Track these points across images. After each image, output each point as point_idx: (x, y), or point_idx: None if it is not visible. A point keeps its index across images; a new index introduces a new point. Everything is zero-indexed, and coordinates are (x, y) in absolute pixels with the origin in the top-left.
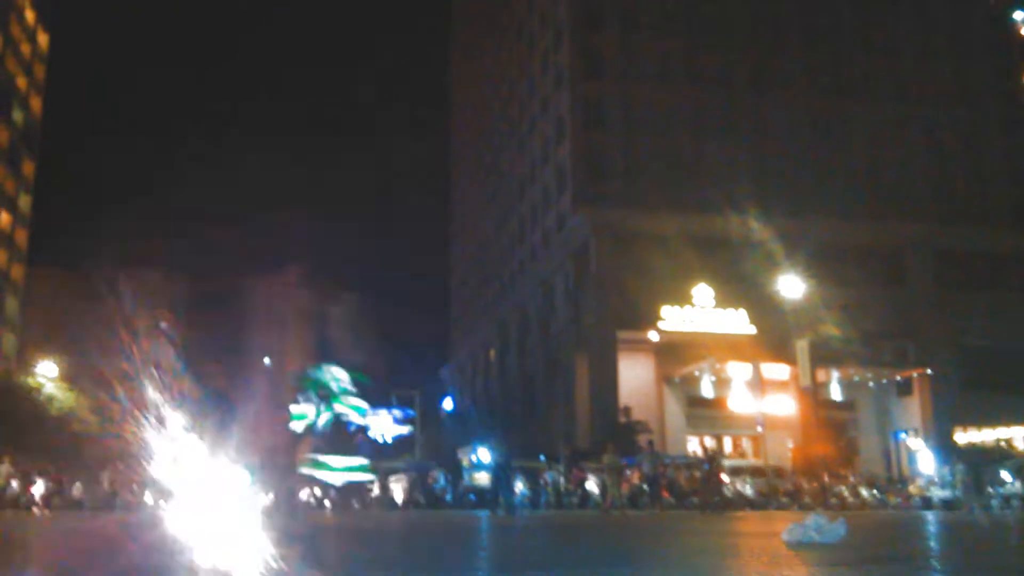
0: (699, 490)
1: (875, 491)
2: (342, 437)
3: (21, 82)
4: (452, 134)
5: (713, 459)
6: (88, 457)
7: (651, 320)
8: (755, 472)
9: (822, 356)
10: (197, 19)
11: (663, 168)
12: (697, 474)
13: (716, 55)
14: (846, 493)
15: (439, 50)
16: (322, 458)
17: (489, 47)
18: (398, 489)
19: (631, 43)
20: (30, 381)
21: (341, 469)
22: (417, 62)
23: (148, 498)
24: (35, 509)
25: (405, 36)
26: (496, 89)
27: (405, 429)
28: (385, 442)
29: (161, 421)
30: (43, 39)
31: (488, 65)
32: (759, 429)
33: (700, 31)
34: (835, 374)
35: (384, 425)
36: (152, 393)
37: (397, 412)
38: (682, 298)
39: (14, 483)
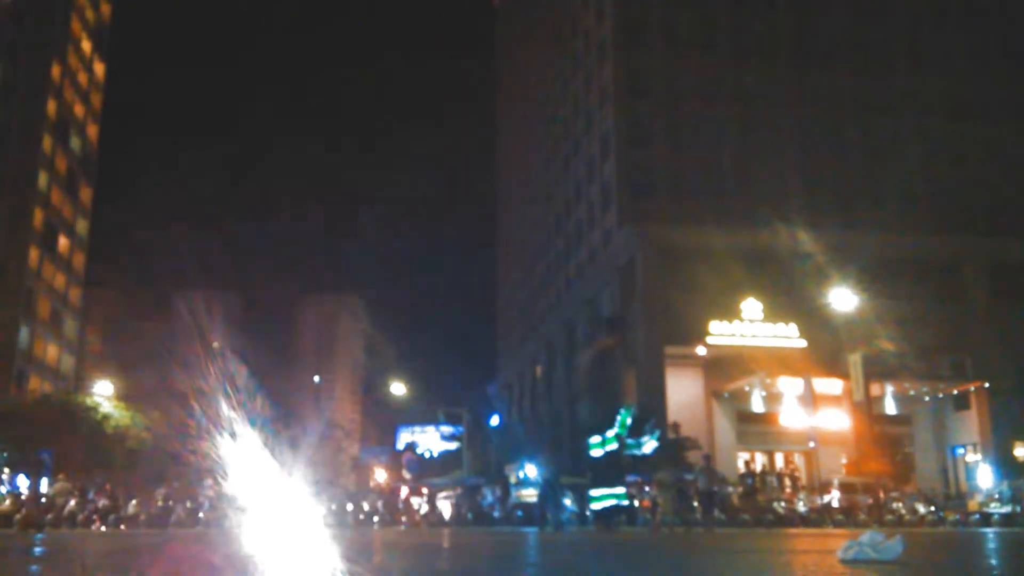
0: (743, 507)
1: (932, 507)
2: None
3: (78, 110)
4: (498, 154)
5: (755, 475)
6: (143, 474)
7: (699, 335)
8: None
9: (876, 370)
10: (244, 43)
11: (709, 183)
12: (739, 490)
13: (762, 71)
14: (902, 510)
15: (486, 71)
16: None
17: (533, 68)
18: (446, 505)
19: (675, 60)
20: (87, 400)
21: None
22: (464, 84)
23: (225, 515)
24: (96, 525)
25: (452, 59)
26: (541, 109)
27: (453, 445)
28: (432, 457)
29: (235, 438)
30: (99, 68)
31: (533, 85)
32: (811, 445)
33: (745, 48)
34: (889, 388)
35: (431, 441)
36: (226, 410)
37: (445, 428)
38: (730, 312)
39: (72, 501)
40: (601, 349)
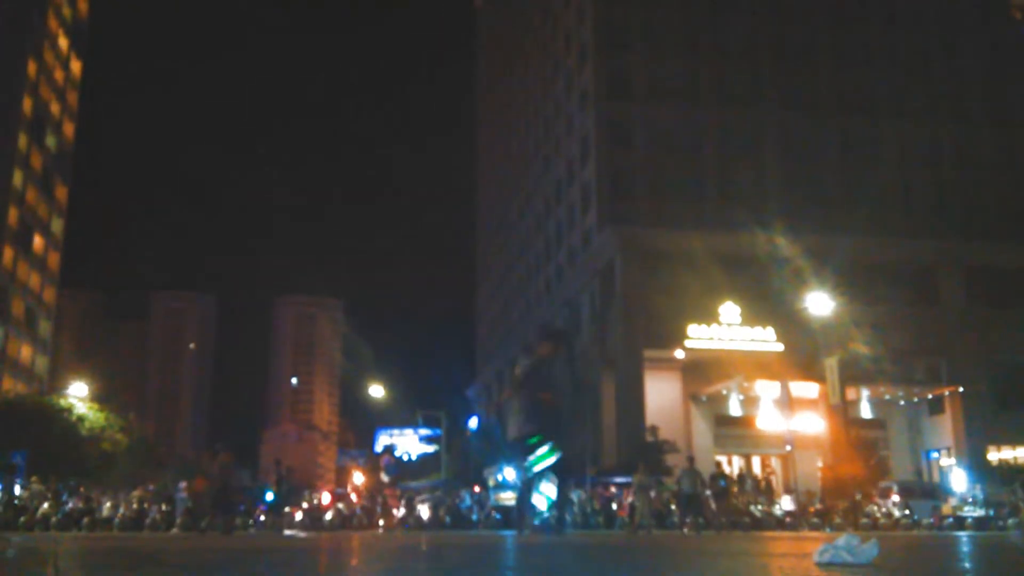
0: (719, 509)
1: (907, 511)
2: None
3: (54, 108)
4: (479, 154)
5: (727, 476)
6: (118, 476)
7: (677, 338)
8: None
9: (852, 374)
10: (225, 44)
11: (689, 186)
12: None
13: (743, 74)
14: (877, 513)
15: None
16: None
17: (514, 69)
18: (424, 509)
19: (655, 63)
20: (61, 402)
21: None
22: (445, 84)
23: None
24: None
25: (431, 63)
26: (522, 109)
27: (431, 448)
28: (410, 460)
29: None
30: (76, 66)
31: (514, 87)
32: (788, 448)
33: (725, 51)
34: (865, 392)
35: (410, 444)
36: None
37: (423, 431)
38: (709, 316)
39: (46, 503)
40: (539, 358)
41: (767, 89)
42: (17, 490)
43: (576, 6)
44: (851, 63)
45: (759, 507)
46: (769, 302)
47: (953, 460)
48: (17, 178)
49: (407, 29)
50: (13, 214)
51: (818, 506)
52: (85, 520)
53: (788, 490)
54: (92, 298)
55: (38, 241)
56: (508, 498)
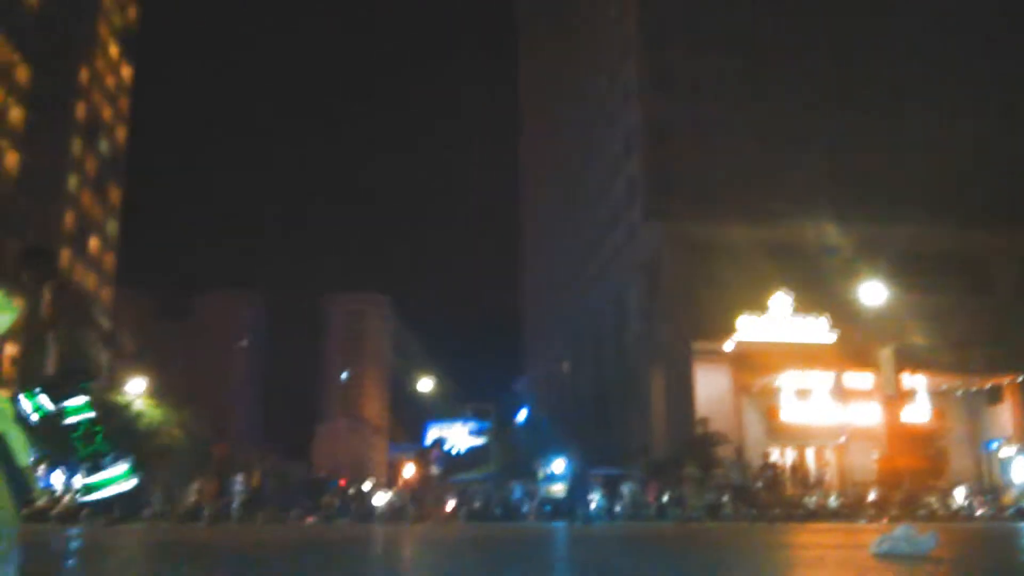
0: (769, 500)
1: (966, 502)
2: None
3: (107, 113)
4: (523, 152)
5: (775, 467)
6: (175, 470)
7: (727, 330)
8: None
9: (907, 364)
10: (272, 47)
11: (735, 178)
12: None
13: (786, 67)
14: (935, 504)
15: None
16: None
17: (556, 66)
18: (475, 501)
19: (698, 57)
20: (120, 398)
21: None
22: (489, 83)
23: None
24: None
25: (475, 61)
26: (564, 106)
27: (480, 441)
28: (460, 453)
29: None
30: (126, 72)
31: (556, 83)
32: (842, 440)
33: (768, 44)
34: (922, 382)
35: (459, 437)
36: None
37: (472, 424)
38: (758, 307)
39: None
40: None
41: (811, 81)
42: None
43: (617, 2)
44: (897, 54)
45: (813, 499)
46: (820, 292)
47: (1013, 450)
48: (72, 182)
49: (451, 29)
50: (69, 217)
51: (874, 497)
52: (144, 512)
53: (842, 482)
54: (147, 297)
55: (94, 242)
56: (558, 490)
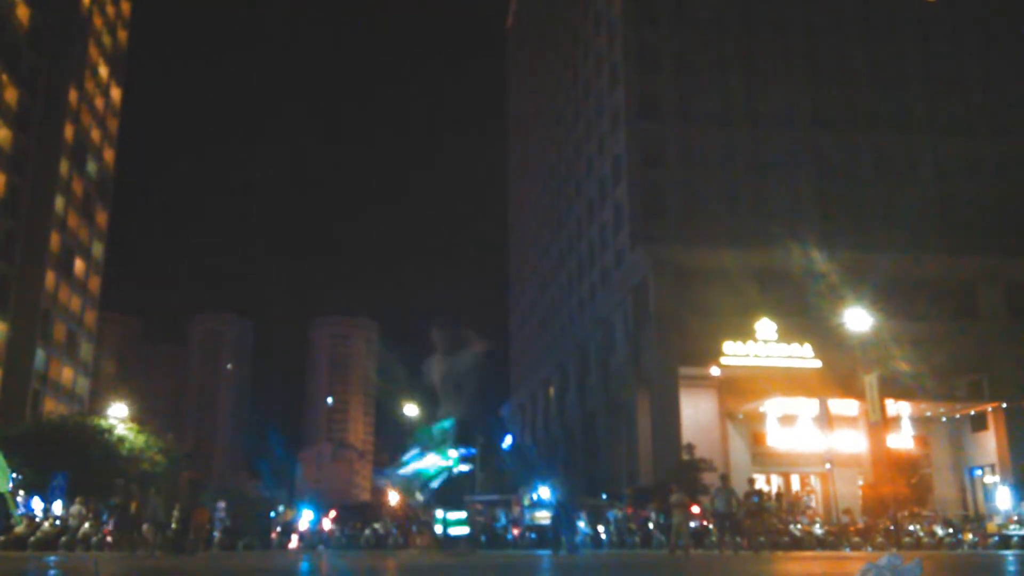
0: (754, 528)
1: (951, 529)
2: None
3: (95, 135)
4: (511, 176)
5: (761, 493)
6: (156, 497)
7: (713, 356)
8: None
9: (892, 391)
10: (260, 70)
11: (722, 203)
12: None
13: (775, 92)
14: (920, 532)
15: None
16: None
17: (545, 90)
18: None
19: (687, 82)
20: (102, 423)
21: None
22: (477, 106)
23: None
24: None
25: (463, 83)
26: (553, 130)
27: (466, 467)
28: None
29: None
30: (116, 93)
31: (544, 108)
32: (827, 466)
33: (757, 69)
34: (906, 409)
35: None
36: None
37: (459, 451)
38: (744, 333)
39: (86, 523)
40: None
41: (799, 107)
42: (59, 510)
43: (607, 28)
44: (885, 79)
45: (798, 526)
46: (806, 318)
47: (997, 477)
48: (59, 203)
49: (439, 52)
50: (55, 239)
51: (859, 525)
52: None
53: (827, 509)
54: (131, 321)
55: (79, 265)
56: (543, 517)
